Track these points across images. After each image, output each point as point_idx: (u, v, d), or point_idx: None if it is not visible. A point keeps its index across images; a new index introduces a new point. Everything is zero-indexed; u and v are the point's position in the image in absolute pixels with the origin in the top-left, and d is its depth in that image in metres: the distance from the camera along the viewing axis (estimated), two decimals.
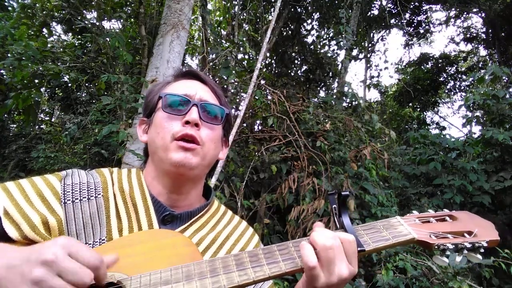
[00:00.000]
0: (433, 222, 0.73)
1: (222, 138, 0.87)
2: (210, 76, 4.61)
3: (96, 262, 0.51)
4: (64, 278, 0.47)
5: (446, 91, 12.96)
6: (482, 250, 0.66)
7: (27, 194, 0.68)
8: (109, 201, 0.73)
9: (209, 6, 6.54)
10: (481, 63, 12.32)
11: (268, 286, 0.86)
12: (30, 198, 0.67)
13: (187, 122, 0.76)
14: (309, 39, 8.00)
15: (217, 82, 4.48)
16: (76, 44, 5.66)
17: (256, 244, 0.88)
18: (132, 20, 5.95)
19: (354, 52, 9.65)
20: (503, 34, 10.59)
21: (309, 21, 7.65)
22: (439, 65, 12.01)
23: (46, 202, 0.68)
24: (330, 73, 7.28)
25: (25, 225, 0.63)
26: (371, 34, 11.07)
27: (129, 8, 6.01)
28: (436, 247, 0.66)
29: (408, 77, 12.56)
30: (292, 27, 7.20)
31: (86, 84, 5.57)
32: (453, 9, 11.66)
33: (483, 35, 11.94)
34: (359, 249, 0.63)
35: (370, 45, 11.07)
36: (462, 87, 12.22)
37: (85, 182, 0.73)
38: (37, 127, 5.87)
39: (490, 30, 11.09)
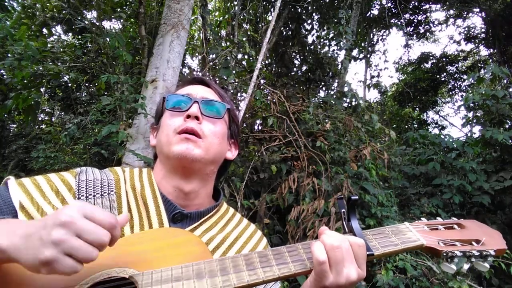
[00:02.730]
0: (441, 229, 0.74)
1: (228, 138, 0.89)
2: (210, 76, 4.61)
3: (111, 221, 0.52)
4: (82, 237, 0.49)
5: (447, 90, 12.96)
6: (489, 259, 0.67)
7: (42, 189, 0.69)
8: (121, 198, 0.75)
9: (209, 6, 6.54)
10: (481, 62, 12.32)
11: None
12: (46, 193, 0.69)
13: (188, 117, 0.78)
14: (309, 39, 8.00)
15: (217, 82, 4.48)
16: (76, 44, 5.66)
17: (264, 247, 0.89)
18: (132, 20, 5.95)
19: (354, 52, 9.63)
20: (503, 34, 10.58)
21: (309, 21, 7.64)
22: (440, 64, 12.01)
23: (61, 197, 0.69)
24: (330, 73, 7.27)
25: None
26: (371, 34, 11.06)
27: (129, 8, 6.01)
28: (444, 254, 0.67)
29: (408, 77, 12.56)
30: (292, 27, 7.19)
31: (86, 84, 5.57)
32: (453, 8, 11.66)
33: (483, 35, 11.93)
34: (368, 253, 0.64)
35: (370, 45, 11.06)
36: (463, 87, 12.23)
37: (99, 179, 0.75)
38: (37, 127, 5.87)
39: (490, 30, 11.08)
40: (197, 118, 0.78)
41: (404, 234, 0.70)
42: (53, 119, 7.45)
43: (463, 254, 0.67)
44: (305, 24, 7.54)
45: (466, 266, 0.67)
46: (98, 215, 0.51)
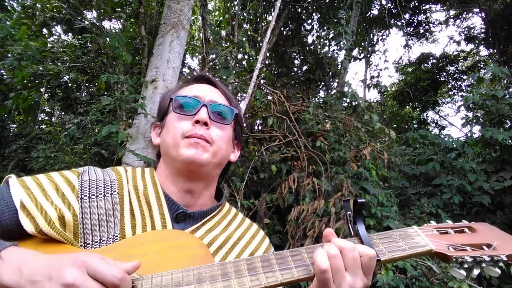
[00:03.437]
0: (451, 233, 0.71)
1: (233, 140, 0.89)
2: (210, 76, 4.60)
3: (115, 281, 0.49)
4: None
5: (447, 90, 12.96)
6: (501, 264, 0.64)
7: (44, 188, 0.68)
8: (123, 198, 0.74)
9: (209, 6, 6.54)
10: (482, 62, 12.32)
11: None
12: (48, 192, 0.68)
13: (197, 122, 0.78)
14: (309, 39, 8.01)
15: None
16: (76, 44, 5.66)
17: (267, 247, 0.88)
18: (132, 20, 5.95)
19: (354, 52, 9.64)
20: (503, 34, 10.57)
21: (309, 21, 7.65)
22: (440, 64, 12.01)
23: (63, 196, 0.68)
24: (330, 73, 7.27)
25: (41, 219, 0.63)
26: (371, 34, 11.06)
27: (129, 8, 6.01)
28: (454, 259, 0.64)
29: (409, 77, 12.56)
30: (292, 27, 7.19)
31: (86, 84, 5.57)
32: (453, 9, 11.66)
33: (483, 35, 11.93)
34: None
35: (370, 45, 11.06)
36: (463, 87, 12.23)
37: (102, 179, 0.74)
38: (37, 127, 5.86)
39: (490, 30, 11.08)
40: (205, 123, 0.78)
41: (412, 238, 0.67)
42: (53, 119, 7.45)
43: (473, 259, 0.64)
44: (305, 24, 7.54)
45: (476, 272, 0.65)
46: (103, 274, 0.49)
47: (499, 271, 0.64)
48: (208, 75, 0.94)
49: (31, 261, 0.52)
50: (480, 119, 5.56)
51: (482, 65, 12.00)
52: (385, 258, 0.64)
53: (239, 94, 4.83)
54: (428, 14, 12.00)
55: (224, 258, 0.77)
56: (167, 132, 0.81)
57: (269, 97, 4.53)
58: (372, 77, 11.12)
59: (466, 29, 12.47)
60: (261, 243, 0.87)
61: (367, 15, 9.91)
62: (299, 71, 7.47)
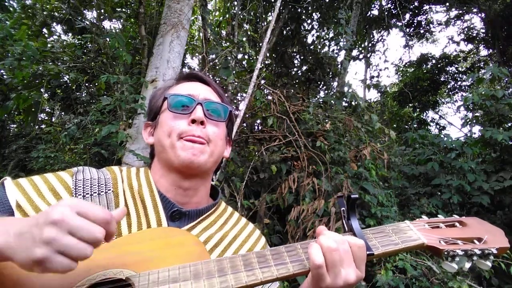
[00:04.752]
0: (442, 227, 0.73)
1: (226, 136, 0.89)
2: (210, 76, 4.61)
3: (105, 217, 0.51)
4: (75, 235, 0.47)
5: (447, 90, 12.97)
6: (491, 257, 0.66)
7: (39, 188, 0.69)
8: (118, 197, 0.74)
9: (209, 6, 6.54)
10: (482, 62, 12.33)
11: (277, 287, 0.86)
12: (43, 192, 0.68)
13: (193, 121, 0.77)
14: (309, 39, 8.02)
15: (217, 82, 4.48)
16: (76, 44, 5.66)
17: (263, 246, 0.89)
18: (132, 20, 5.95)
19: (354, 52, 9.65)
20: (503, 34, 10.58)
21: (309, 21, 7.66)
22: (439, 65, 12.01)
23: (58, 196, 0.69)
24: (330, 73, 7.28)
25: None
26: (371, 34, 11.06)
27: (129, 8, 6.01)
28: (445, 253, 0.66)
29: (408, 78, 12.57)
30: (292, 27, 7.20)
31: (86, 84, 5.57)
32: (453, 9, 11.66)
33: (483, 35, 11.93)
34: (368, 252, 0.63)
35: (370, 45, 11.06)
36: (463, 87, 12.23)
37: (96, 178, 0.74)
38: (37, 127, 5.86)
39: (490, 30, 11.09)
40: (202, 122, 0.78)
41: (404, 232, 0.69)
42: (53, 119, 7.45)
43: (464, 253, 0.65)
44: (305, 24, 7.55)
45: (467, 265, 0.66)
46: (91, 211, 0.50)
47: (490, 264, 0.66)
48: (198, 72, 0.93)
49: (17, 221, 0.52)
50: (480, 119, 5.56)
51: (482, 65, 12.00)
52: (379, 252, 0.65)
53: (239, 94, 4.83)
54: (428, 15, 12.01)
55: (220, 257, 0.77)
56: (162, 132, 0.80)
57: (269, 97, 4.53)
58: (372, 77, 11.14)
59: (466, 29, 12.48)
60: (257, 242, 0.88)
61: (367, 15, 9.91)
62: (299, 71, 7.48)
